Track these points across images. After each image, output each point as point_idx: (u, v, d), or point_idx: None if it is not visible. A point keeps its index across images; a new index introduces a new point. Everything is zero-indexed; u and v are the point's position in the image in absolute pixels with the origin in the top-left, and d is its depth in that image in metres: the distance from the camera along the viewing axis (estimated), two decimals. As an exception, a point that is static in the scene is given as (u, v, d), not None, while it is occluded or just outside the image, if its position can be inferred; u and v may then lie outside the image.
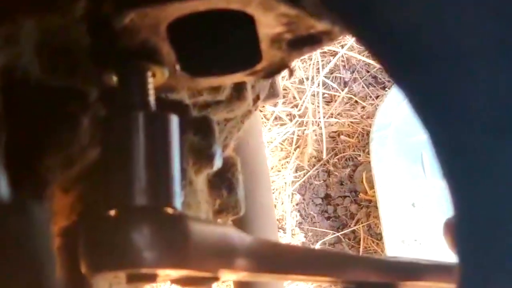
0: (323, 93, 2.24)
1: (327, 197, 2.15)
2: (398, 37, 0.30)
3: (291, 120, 2.22)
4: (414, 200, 1.92)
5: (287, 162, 2.19)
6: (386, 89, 2.20)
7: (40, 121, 0.54)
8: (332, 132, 2.21)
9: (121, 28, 0.51)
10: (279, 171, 2.18)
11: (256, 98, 0.87)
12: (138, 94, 0.55)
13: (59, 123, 0.55)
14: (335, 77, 2.27)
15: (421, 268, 0.65)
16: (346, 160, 2.18)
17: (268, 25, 0.53)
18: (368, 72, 2.26)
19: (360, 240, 2.07)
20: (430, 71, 0.29)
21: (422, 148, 1.94)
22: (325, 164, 2.17)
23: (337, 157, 2.17)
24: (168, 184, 0.54)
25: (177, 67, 0.57)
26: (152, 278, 0.54)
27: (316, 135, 2.20)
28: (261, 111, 2.17)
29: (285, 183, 2.16)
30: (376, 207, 1.96)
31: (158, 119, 0.55)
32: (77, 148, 0.57)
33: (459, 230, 0.30)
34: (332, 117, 2.21)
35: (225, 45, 0.58)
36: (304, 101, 2.22)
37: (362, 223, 2.08)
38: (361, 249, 2.06)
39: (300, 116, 2.22)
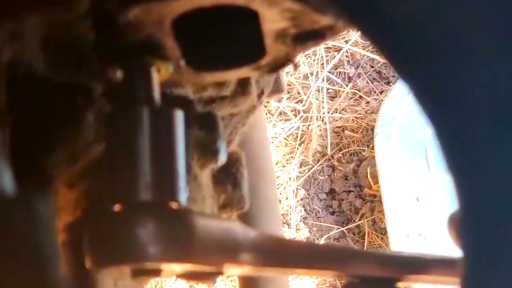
0: (328, 89, 2.24)
1: (331, 192, 2.15)
2: (401, 30, 0.30)
3: (295, 115, 2.22)
4: (418, 195, 1.92)
5: (292, 157, 2.19)
6: (391, 84, 2.20)
7: (45, 117, 0.54)
8: (337, 127, 2.20)
9: (126, 24, 0.51)
10: (284, 166, 2.18)
11: (261, 93, 0.87)
12: (142, 90, 0.55)
13: (64, 119, 0.55)
14: (340, 72, 2.26)
15: (425, 262, 0.65)
16: (350, 155, 2.18)
17: (273, 20, 0.53)
18: (372, 67, 2.25)
19: (364, 235, 2.07)
20: (432, 65, 0.30)
21: (426, 143, 1.93)
22: (329, 159, 2.17)
23: (341, 152, 2.17)
24: (173, 179, 0.54)
25: (182, 62, 0.57)
26: (157, 272, 0.54)
27: (320, 130, 2.19)
28: (265, 106, 2.17)
29: (290, 178, 2.16)
30: (381, 202, 1.96)
31: (162, 114, 0.55)
32: (82, 144, 0.57)
33: (463, 224, 0.30)
34: (336, 112, 2.21)
35: (230, 40, 0.58)
36: (308, 97, 2.22)
37: (366, 217, 2.08)
38: (365, 244, 2.06)
39: (304, 112, 2.22)
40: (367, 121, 2.17)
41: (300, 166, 2.18)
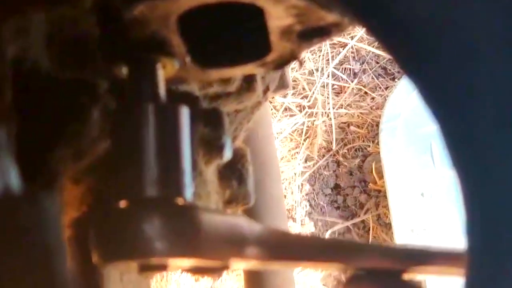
0: (333, 84, 2.24)
1: (336, 187, 2.15)
2: (408, 29, 0.30)
3: (300, 111, 2.22)
4: (423, 190, 1.92)
5: (297, 152, 2.19)
6: (396, 80, 2.20)
7: (51, 113, 0.54)
8: (342, 123, 2.20)
9: (131, 20, 0.51)
10: (289, 161, 2.18)
11: (266, 89, 0.87)
12: (148, 86, 0.55)
13: (70, 115, 0.56)
14: (345, 68, 2.26)
15: (430, 253, 0.65)
16: (355, 150, 2.18)
17: (278, 17, 0.53)
18: (377, 63, 2.25)
19: (369, 230, 2.07)
20: (439, 63, 0.30)
21: (431, 139, 1.93)
22: (334, 155, 2.17)
23: (346, 147, 2.17)
24: (179, 175, 0.54)
25: (187, 59, 0.57)
26: (163, 267, 0.54)
27: (325, 125, 2.19)
28: (271, 102, 2.17)
29: (295, 173, 2.16)
30: (385, 197, 1.96)
31: (168, 110, 0.55)
32: (87, 140, 0.57)
33: (468, 224, 0.30)
34: (341, 108, 2.21)
35: (235, 37, 0.58)
36: (313, 92, 2.22)
37: (371, 213, 2.08)
38: (370, 239, 2.06)
39: (309, 107, 2.22)
40: (372, 117, 2.17)
41: (305, 162, 2.18)
